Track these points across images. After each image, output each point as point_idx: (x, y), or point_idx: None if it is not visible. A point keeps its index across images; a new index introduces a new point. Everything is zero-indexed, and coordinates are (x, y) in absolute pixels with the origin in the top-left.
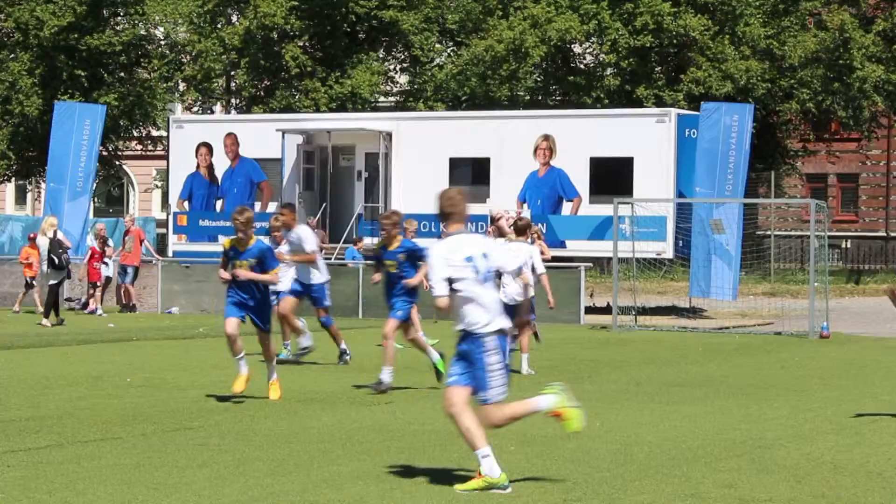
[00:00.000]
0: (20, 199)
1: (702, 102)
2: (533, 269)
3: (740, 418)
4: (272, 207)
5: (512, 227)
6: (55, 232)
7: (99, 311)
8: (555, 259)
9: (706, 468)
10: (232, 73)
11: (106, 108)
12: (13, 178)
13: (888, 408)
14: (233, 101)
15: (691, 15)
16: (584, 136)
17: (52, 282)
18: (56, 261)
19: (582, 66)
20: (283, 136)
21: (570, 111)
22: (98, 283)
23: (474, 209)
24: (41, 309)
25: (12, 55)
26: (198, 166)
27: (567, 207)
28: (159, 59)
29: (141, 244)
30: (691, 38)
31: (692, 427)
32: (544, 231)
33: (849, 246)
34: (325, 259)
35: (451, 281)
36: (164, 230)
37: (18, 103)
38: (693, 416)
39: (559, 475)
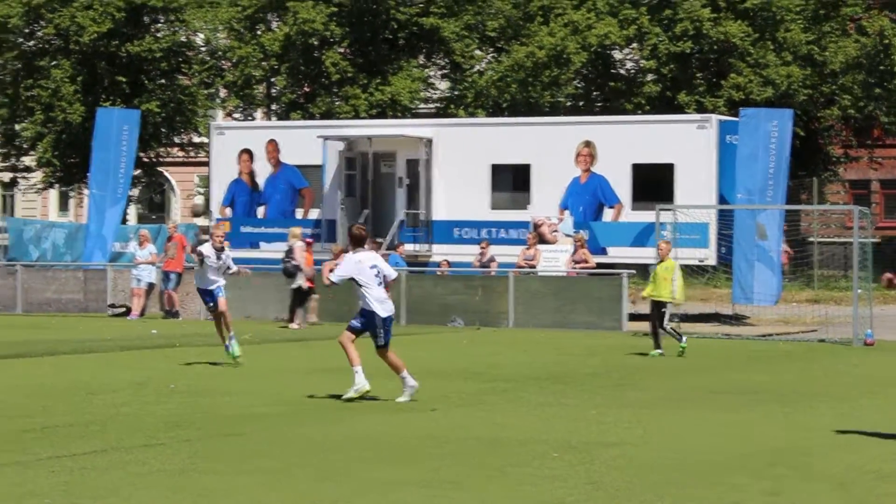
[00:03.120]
0: (63, 205)
1: (741, 108)
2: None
3: (784, 426)
4: (314, 214)
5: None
6: (295, 242)
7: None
8: (597, 266)
9: (750, 476)
10: (272, 79)
11: (142, 113)
12: (56, 185)
13: None
14: (273, 107)
15: (731, 21)
16: (626, 142)
17: (291, 287)
18: (284, 268)
19: (622, 73)
20: (324, 143)
21: (611, 117)
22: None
23: (515, 216)
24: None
25: (54, 62)
26: (240, 173)
27: (608, 214)
28: (200, 66)
29: (183, 250)
30: (732, 44)
31: (736, 434)
32: (587, 238)
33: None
34: None
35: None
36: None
37: (61, 110)
38: (737, 423)
39: (602, 482)
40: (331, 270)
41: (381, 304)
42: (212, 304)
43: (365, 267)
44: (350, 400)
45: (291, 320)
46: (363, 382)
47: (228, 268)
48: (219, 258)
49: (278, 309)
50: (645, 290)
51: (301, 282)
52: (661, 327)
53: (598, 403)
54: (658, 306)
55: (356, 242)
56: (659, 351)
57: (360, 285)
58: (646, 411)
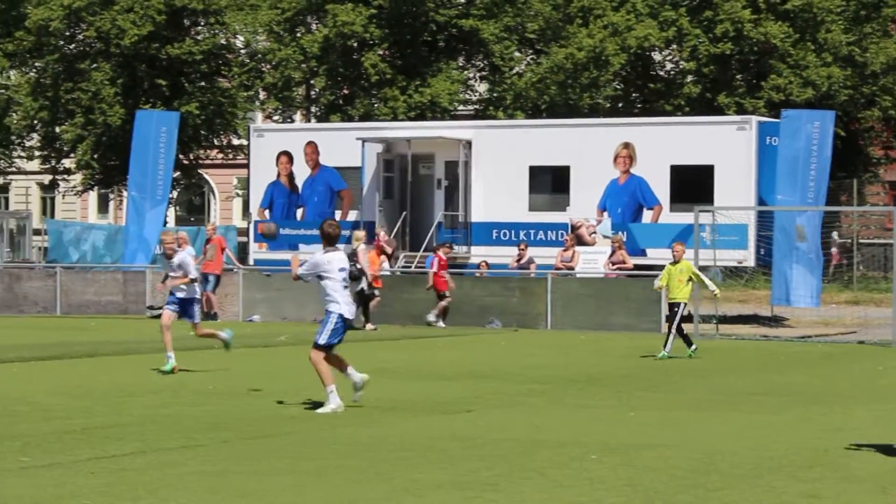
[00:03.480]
0: (102, 207)
1: (782, 109)
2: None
3: (823, 427)
4: (352, 216)
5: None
6: (359, 245)
7: (441, 324)
8: (636, 267)
9: (789, 477)
10: (311, 81)
11: (181, 116)
12: (96, 187)
13: None
14: (312, 109)
15: (772, 22)
16: (665, 143)
17: (355, 291)
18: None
19: (662, 74)
20: (363, 145)
21: (651, 119)
22: (447, 294)
23: (554, 217)
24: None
25: (94, 65)
26: (278, 175)
27: (647, 215)
28: (239, 68)
29: (222, 252)
30: (772, 45)
31: (774, 436)
32: (625, 240)
33: None
34: (405, 267)
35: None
36: (245, 238)
37: (101, 113)
38: (775, 425)
39: (640, 484)
40: (300, 264)
41: (347, 307)
42: (176, 311)
43: (334, 268)
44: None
45: (367, 321)
46: (338, 403)
47: (186, 273)
48: (171, 266)
49: (316, 310)
50: (659, 281)
51: (364, 285)
52: (670, 328)
53: (636, 405)
54: (673, 307)
55: (328, 241)
56: (693, 347)
57: (326, 286)
58: (684, 413)
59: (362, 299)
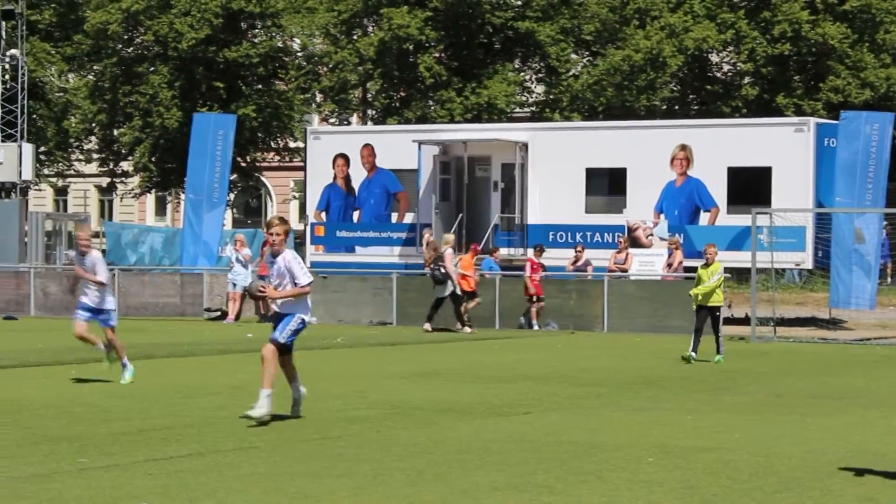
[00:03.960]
0: (160, 210)
1: (841, 111)
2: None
3: (882, 431)
4: (409, 218)
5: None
6: (447, 248)
7: (536, 326)
8: (692, 269)
9: (847, 481)
10: (367, 84)
11: (238, 118)
12: (153, 190)
13: None
14: (368, 111)
15: (830, 23)
16: (722, 145)
17: (437, 295)
18: (432, 274)
19: (719, 76)
20: (419, 147)
21: (708, 121)
22: (537, 298)
23: (611, 219)
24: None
25: (152, 68)
26: (335, 177)
27: (704, 218)
28: (296, 71)
29: None
30: (830, 46)
31: (833, 439)
32: (682, 242)
33: None
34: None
35: None
36: (301, 241)
37: (159, 116)
38: (834, 428)
39: (698, 487)
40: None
41: (308, 311)
42: (87, 319)
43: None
44: (249, 417)
45: (462, 322)
46: (268, 409)
47: (95, 274)
48: (83, 264)
49: (371, 313)
50: (694, 290)
51: (452, 288)
52: (717, 331)
53: (693, 408)
54: (707, 311)
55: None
56: (693, 354)
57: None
58: (742, 416)
59: (454, 302)
